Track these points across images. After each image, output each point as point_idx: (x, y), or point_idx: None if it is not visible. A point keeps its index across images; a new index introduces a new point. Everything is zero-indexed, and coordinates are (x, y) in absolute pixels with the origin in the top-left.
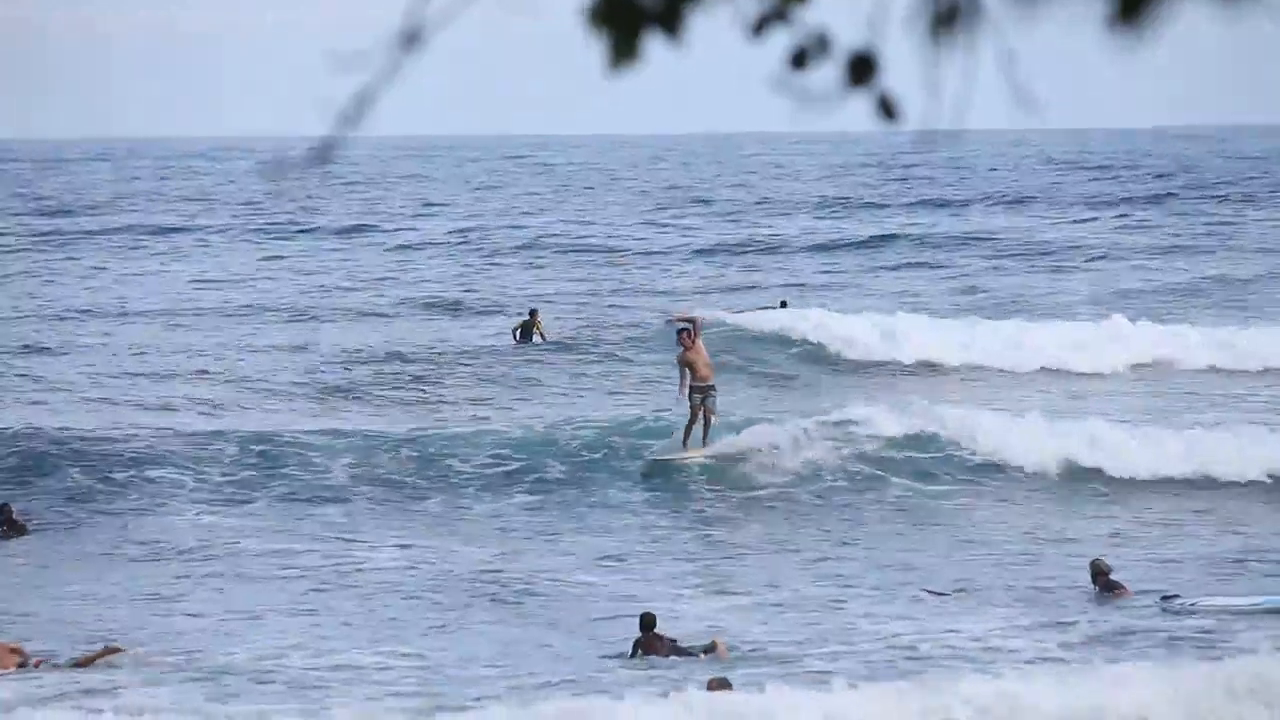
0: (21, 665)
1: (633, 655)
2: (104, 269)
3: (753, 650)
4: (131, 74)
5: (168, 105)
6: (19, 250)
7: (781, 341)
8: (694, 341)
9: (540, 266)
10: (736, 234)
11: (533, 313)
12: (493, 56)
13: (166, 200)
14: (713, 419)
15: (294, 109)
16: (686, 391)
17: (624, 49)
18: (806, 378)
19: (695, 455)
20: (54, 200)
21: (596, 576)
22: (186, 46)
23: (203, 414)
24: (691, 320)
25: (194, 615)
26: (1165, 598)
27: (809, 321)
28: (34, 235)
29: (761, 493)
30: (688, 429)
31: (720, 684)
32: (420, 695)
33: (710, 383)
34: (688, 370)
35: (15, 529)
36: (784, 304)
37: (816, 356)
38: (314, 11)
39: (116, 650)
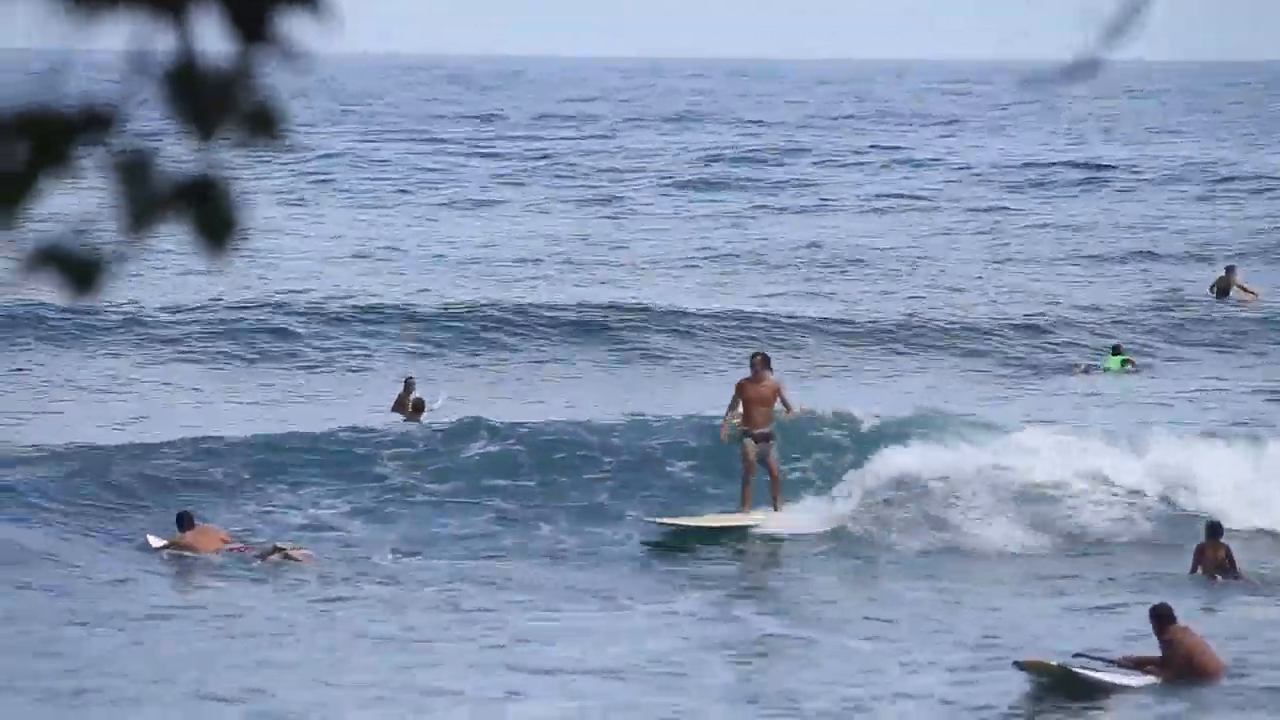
0: (228, 548)
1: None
2: None
3: None
4: None
5: None
6: None
7: None
8: (760, 373)
9: None
10: None
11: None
12: None
13: None
14: (777, 474)
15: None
16: (725, 425)
17: None
18: None
19: (762, 519)
20: None
21: None
22: None
23: None
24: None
25: None
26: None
27: None
28: None
29: None
30: (743, 485)
31: None
32: None
33: (765, 430)
34: (738, 402)
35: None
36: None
37: None
38: None
39: (280, 550)
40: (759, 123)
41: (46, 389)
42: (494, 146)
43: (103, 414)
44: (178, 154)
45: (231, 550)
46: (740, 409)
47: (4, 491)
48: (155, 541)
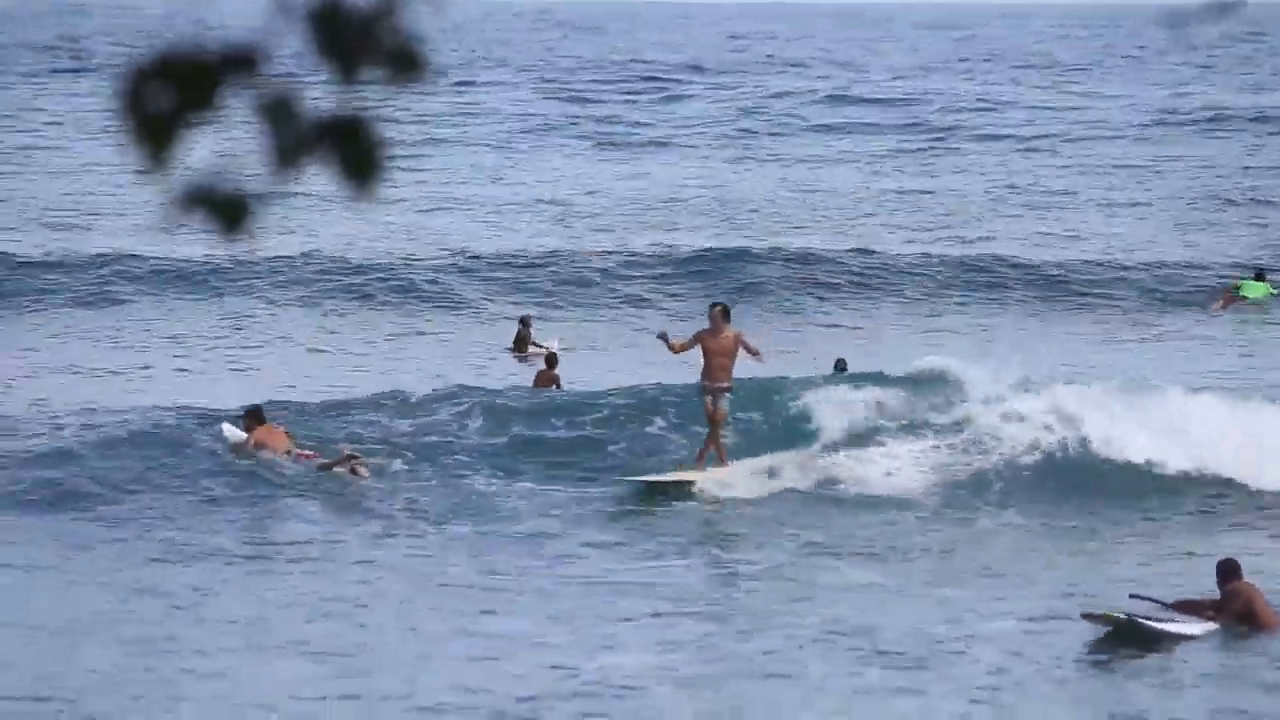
0: (296, 453)
1: None
2: None
3: None
4: None
5: None
6: None
7: None
8: (719, 325)
9: None
10: None
11: None
12: None
13: None
14: (720, 426)
15: None
16: (663, 339)
17: None
18: None
19: (729, 474)
20: None
21: None
22: None
23: None
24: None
25: None
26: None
27: None
28: None
29: None
30: (712, 438)
31: None
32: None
33: (723, 385)
34: (697, 348)
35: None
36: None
37: None
38: None
39: (351, 459)
40: (872, 68)
41: (168, 338)
42: (606, 93)
43: (214, 357)
44: (322, 95)
45: (299, 456)
46: (694, 347)
47: (113, 431)
48: (230, 432)
